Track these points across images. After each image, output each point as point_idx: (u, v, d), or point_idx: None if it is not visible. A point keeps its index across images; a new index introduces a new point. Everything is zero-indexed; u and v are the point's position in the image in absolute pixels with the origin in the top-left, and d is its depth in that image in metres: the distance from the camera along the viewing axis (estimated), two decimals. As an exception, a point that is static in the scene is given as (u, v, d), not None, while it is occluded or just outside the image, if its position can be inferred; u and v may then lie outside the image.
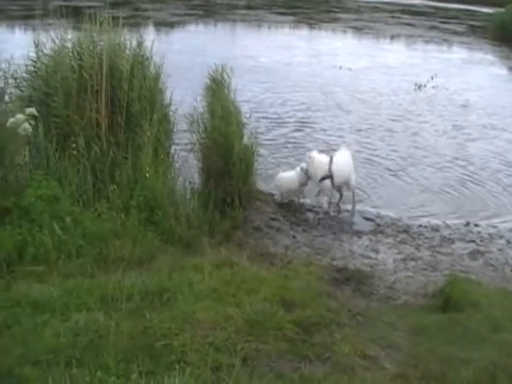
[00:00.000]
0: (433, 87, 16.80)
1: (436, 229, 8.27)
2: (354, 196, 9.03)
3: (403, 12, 31.00)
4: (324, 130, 12.74)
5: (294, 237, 7.51)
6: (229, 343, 4.52)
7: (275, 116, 13.34)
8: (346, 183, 8.92)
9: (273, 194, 8.80)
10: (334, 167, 8.63)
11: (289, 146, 11.50)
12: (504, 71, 21.06)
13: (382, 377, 4.48)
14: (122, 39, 7.99)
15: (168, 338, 4.50)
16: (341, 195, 9.06)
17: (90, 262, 5.75)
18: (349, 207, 8.91)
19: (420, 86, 16.83)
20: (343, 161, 8.84)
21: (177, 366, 4.09)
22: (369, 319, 5.29)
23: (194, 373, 4.08)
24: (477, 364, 4.69)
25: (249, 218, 7.69)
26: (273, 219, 7.90)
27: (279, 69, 18.18)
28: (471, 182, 10.46)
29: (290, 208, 8.59)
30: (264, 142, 10.00)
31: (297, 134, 12.25)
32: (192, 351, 4.37)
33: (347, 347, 4.72)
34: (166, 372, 4.05)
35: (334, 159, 8.73)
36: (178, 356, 4.28)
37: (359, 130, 12.94)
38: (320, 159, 8.72)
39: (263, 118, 12.57)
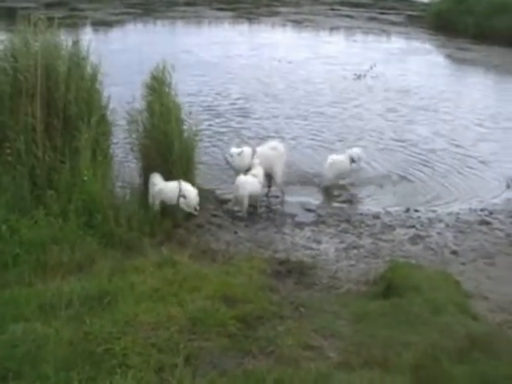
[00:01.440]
0: (372, 77, 17.06)
1: (377, 216, 8.42)
2: (281, 190, 9.05)
3: (342, 4, 31.20)
4: (262, 119, 13.07)
5: (236, 232, 7.51)
6: (171, 343, 4.49)
7: (215, 107, 13.62)
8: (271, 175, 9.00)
9: (213, 191, 8.79)
10: (255, 161, 8.70)
11: (229, 135, 11.85)
12: (441, 59, 21.53)
13: (325, 366, 4.51)
14: (58, 40, 7.80)
15: (109, 342, 4.43)
16: (268, 187, 9.14)
17: (27, 271, 5.60)
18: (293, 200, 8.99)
19: (359, 76, 17.06)
20: (265, 154, 8.90)
21: (118, 371, 4.04)
22: (311, 310, 5.33)
23: (136, 376, 4.05)
24: (418, 347, 4.79)
25: (191, 216, 7.65)
26: (214, 216, 7.89)
27: (219, 63, 18.24)
28: (412, 165, 10.79)
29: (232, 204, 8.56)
30: (204, 132, 10.22)
31: (235, 124, 12.58)
32: (134, 354, 4.32)
33: (290, 339, 4.75)
34: (107, 377, 3.99)
35: (258, 152, 8.84)
36: (119, 360, 4.23)
37: (300, 117, 13.34)
38: (244, 152, 8.81)
39: (203, 110, 12.87)
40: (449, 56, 21.61)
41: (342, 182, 9.77)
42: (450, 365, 4.61)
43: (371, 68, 17.63)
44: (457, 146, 12.08)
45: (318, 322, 5.04)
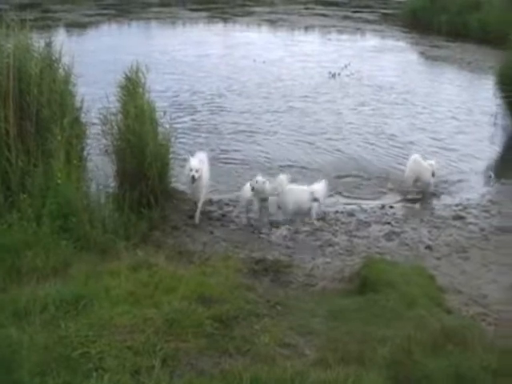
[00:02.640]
0: (347, 74, 17.20)
1: (352, 213, 8.48)
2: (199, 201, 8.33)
3: (316, 3, 31.33)
4: (236, 115, 13.41)
5: (212, 232, 7.52)
6: (148, 345, 4.46)
7: (189, 105, 13.87)
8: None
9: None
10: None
11: (203, 131, 12.20)
12: (415, 56, 21.74)
13: (302, 363, 4.54)
14: (30, 41, 7.72)
15: (85, 346, 4.40)
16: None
17: (1, 276, 5.54)
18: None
19: (334, 74, 17.19)
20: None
21: (94, 374, 4.02)
22: (288, 308, 5.35)
23: (112, 379, 4.02)
24: (393, 341, 4.83)
25: (166, 218, 7.64)
26: (191, 217, 7.87)
27: (194, 62, 18.33)
28: (390, 159, 11.06)
29: (208, 204, 8.55)
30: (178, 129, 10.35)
31: (209, 121, 12.89)
32: (110, 357, 4.29)
33: (267, 337, 4.77)
34: (83, 381, 3.97)
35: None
36: (95, 363, 4.20)
37: (274, 113, 13.65)
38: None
39: (178, 108, 13.25)
40: (423, 53, 21.83)
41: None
42: (424, 358, 4.67)
43: (346, 66, 17.76)
44: (433, 139, 12.36)
45: (295, 319, 5.06)
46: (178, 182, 8.71)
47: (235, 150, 11.29)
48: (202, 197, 8.16)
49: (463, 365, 4.57)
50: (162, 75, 15.37)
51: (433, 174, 9.47)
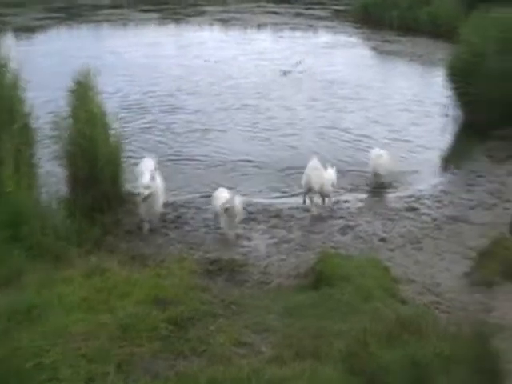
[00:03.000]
0: (300, 71, 17.32)
1: (307, 209, 8.53)
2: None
3: (268, 1, 31.36)
4: (189, 114, 13.50)
5: (167, 234, 7.47)
6: (102, 352, 4.41)
7: (142, 106, 13.89)
8: None
9: None
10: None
11: (156, 132, 12.23)
12: (367, 51, 22.02)
13: (258, 361, 4.56)
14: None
15: (38, 356, 4.32)
16: None
17: (-49, 288, 5.42)
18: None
19: (286, 72, 17.27)
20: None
21: (48, 384, 3.96)
22: (243, 306, 5.35)
23: (66, 388, 3.97)
24: (349, 334, 4.88)
25: (120, 222, 7.57)
26: (144, 220, 7.78)
27: (146, 63, 18.18)
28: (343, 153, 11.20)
29: (162, 207, 8.45)
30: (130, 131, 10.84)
31: (162, 120, 13.01)
32: (64, 366, 4.22)
33: (222, 337, 4.77)
34: (36, 392, 3.91)
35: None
36: (49, 373, 4.13)
37: (228, 110, 13.82)
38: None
39: (130, 109, 13.37)
40: (375, 48, 22.11)
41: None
42: (380, 349, 4.73)
43: (299, 62, 17.86)
44: (387, 131, 12.60)
45: (250, 318, 5.07)
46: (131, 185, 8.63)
47: (189, 150, 11.30)
48: (158, 213, 7.98)
49: (418, 353, 4.66)
50: (114, 77, 15.23)
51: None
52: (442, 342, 4.79)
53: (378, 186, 9.72)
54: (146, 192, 7.52)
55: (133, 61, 18.37)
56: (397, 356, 4.65)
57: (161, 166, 9.00)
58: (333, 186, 8.88)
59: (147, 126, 12.54)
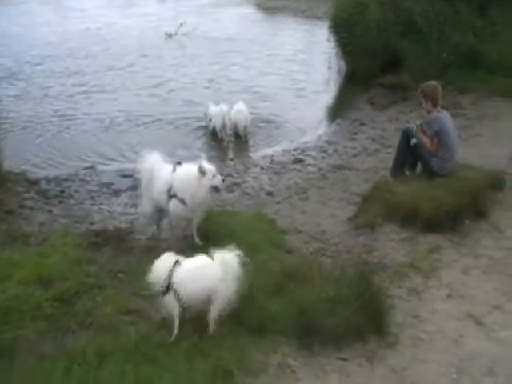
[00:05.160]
0: (184, 33, 17.12)
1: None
2: None
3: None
4: (75, 77, 13.42)
5: (50, 211, 7.23)
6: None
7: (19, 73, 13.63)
8: None
9: (24, 173, 8.36)
10: None
11: (35, 97, 12.03)
12: (251, 9, 22.07)
13: (146, 327, 4.58)
14: None
15: None
16: None
17: None
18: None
19: (170, 34, 17.09)
20: None
21: None
22: (130, 274, 5.33)
23: None
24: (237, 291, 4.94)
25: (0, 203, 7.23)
26: (26, 199, 7.48)
27: (20, 33, 17.58)
28: None
29: (45, 183, 8.21)
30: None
31: (41, 85, 12.85)
32: None
33: (109, 307, 4.75)
34: None
35: None
36: None
37: (116, 70, 13.87)
38: None
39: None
40: (259, 5, 22.19)
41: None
42: (267, 301, 4.85)
43: (183, 23, 17.60)
44: (276, 81, 12.93)
45: (137, 284, 5.02)
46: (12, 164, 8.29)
47: (76, 114, 11.16)
48: None
49: (303, 299, 4.82)
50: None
51: None
52: (327, 286, 4.99)
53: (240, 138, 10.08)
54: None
55: (9, 31, 17.62)
56: (283, 303, 4.81)
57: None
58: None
59: (24, 93, 12.33)
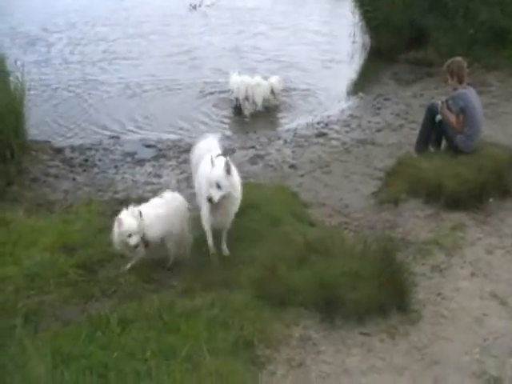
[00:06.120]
0: (207, 5, 17.01)
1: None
2: None
3: None
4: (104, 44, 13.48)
5: (74, 179, 7.28)
6: (7, 305, 4.35)
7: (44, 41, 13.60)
8: None
9: (49, 142, 8.40)
10: None
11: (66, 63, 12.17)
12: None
13: (169, 294, 4.62)
14: None
15: None
16: None
17: None
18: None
19: (195, 6, 16.93)
20: None
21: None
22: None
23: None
24: (259, 260, 4.96)
25: (25, 171, 7.28)
26: (50, 167, 7.55)
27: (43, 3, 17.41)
28: None
29: (69, 151, 8.25)
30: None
31: (71, 51, 13.00)
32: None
33: (133, 276, 4.79)
34: None
35: None
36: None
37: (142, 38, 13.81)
38: None
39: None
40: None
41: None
42: (288, 272, 4.85)
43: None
44: (301, 53, 12.85)
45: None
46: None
47: (101, 79, 11.22)
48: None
49: (325, 272, 4.80)
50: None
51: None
52: (350, 260, 4.97)
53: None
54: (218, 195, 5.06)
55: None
56: (305, 277, 4.80)
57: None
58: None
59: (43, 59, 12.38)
